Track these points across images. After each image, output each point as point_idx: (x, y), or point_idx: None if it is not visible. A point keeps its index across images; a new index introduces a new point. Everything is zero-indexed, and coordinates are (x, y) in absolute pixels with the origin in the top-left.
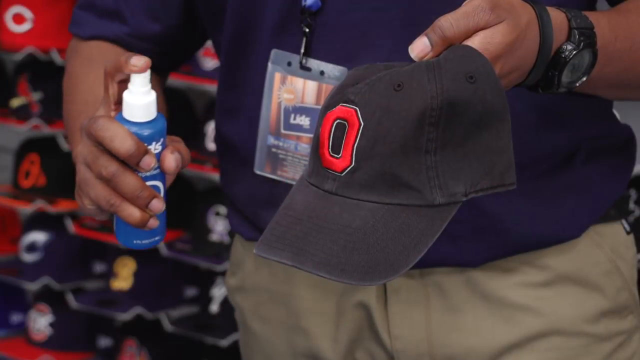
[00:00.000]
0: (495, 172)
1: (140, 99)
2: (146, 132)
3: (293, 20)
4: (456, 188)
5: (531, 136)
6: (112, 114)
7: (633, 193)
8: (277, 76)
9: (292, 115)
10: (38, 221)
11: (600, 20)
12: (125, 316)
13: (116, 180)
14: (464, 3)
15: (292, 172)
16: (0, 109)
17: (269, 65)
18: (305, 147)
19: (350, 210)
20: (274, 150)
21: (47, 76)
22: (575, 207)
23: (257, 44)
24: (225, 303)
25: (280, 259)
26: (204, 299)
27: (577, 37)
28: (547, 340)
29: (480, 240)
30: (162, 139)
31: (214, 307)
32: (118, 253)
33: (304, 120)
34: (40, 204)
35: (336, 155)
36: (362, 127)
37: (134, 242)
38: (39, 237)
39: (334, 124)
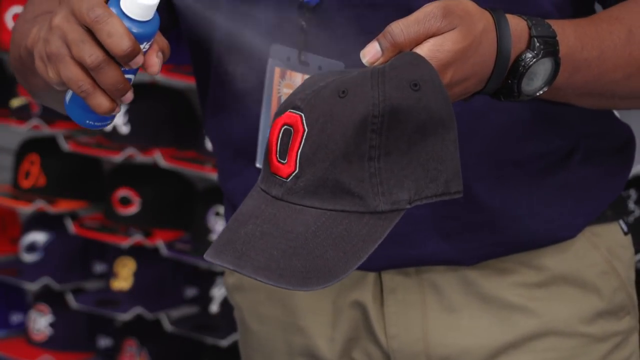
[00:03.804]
0: (440, 180)
1: None
2: (143, 31)
3: (292, 15)
4: (400, 195)
5: (527, 133)
6: None
7: (633, 193)
8: (277, 71)
9: None
10: (38, 221)
11: (566, 29)
12: (125, 316)
13: (99, 71)
14: (420, 8)
15: None
16: (0, 109)
17: (269, 60)
18: None
19: (294, 216)
20: None
21: None
22: (571, 207)
23: (256, 40)
24: (225, 303)
25: (223, 263)
26: (204, 299)
27: (537, 45)
28: (543, 341)
29: (475, 238)
30: (152, 39)
31: (214, 307)
32: (118, 253)
33: None
34: (40, 204)
35: (282, 161)
36: (306, 133)
37: (87, 122)
38: (38, 237)
39: (282, 130)
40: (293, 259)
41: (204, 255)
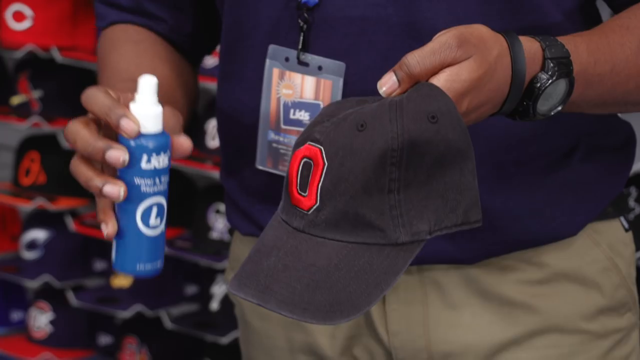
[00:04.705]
0: (460, 210)
1: (146, 110)
2: (157, 143)
3: (290, 15)
4: (420, 226)
5: (529, 133)
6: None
7: (633, 190)
8: (275, 71)
9: (292, 111)
10: (38, 219)
11: (579, 45)
12: (125, 314)
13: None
14: (434, 37)
15: None
16: (0, 107)
17: (267, 60)
18: None
19: (316, 249)
20: (274, 145)
21: (47, 74)
22: (572, 205)
23: (254, 39)
24: (226, 300)
25: (246, 297)
26: (204, 296)
27: (552, 66)
28: (544, 338)
29: (477, 237)
30: (168, 147)
31: (214, 305)
32: None
33: (304, 115)
34: (40, 202)
35: (303, 194)
36: (326, 166)
37: (137, 267)
38: (39, 234)
39: (302, 163)
40: (316, 293)
41: (228, 287)
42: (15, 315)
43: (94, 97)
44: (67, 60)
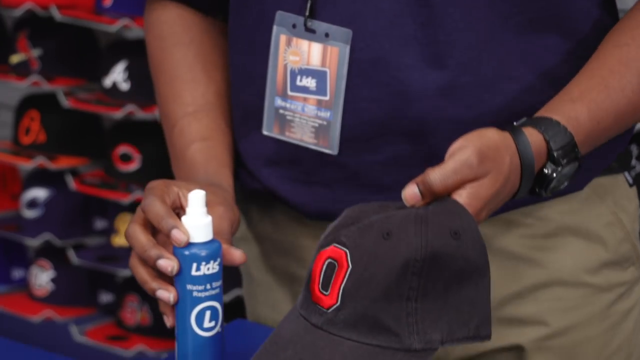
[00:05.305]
0: (472, 324)
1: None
2: (209, 251)
3: None
4: (433, 335)
5: (537, 100)
6: None
7: (634, 149)
8: (283, 38)
9: (299, 77)
10: (38, 177)
11: (580, 116)
12: (126, 272)
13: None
14: (454, 151)
15: (300, 133)
16: None
17: (274, 27)
18: (312, 109)
19: (333, 347)
20: (281, 111)
21: (47, 32)
22: None
23: (262, 5)
24: None
25: None
26: None
27: (558, 157)
28: (548, 291)
29: None
30: (219, 254)
31: None
32: (119, 209)
33: (310, 82)
34: (40, 161)
35: (325, 292)
36: (350, 269)
37: None
38: (39, 193)
39: (326, 263)
40: None
41: None
42: (17, 273)
43: (151, 206)
44: (66, 19)
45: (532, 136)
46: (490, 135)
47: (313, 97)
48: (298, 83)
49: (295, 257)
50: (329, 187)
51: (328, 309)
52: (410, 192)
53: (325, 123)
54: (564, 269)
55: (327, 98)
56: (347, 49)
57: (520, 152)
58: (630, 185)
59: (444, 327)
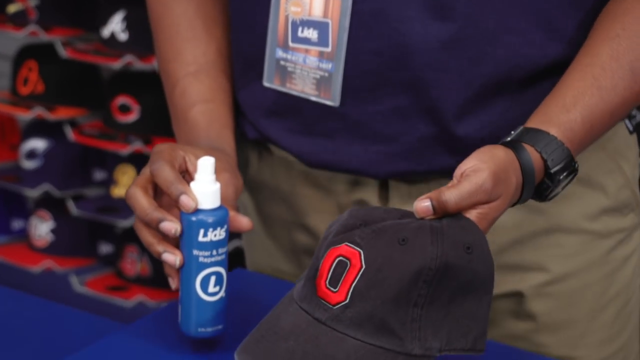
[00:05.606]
0: (470, 337)
1: (204, 187)
2: (216, 218)
3: None
4: (433, 343)
5: (539, 51)
6: None
7: None
8: None
9: (300, 29)
10: (37, 128)
11: (574, 127)
12: (125, 223)
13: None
14: (470, 171)
15: (301, 85)
16: None
17: None
18: (313, 60)
19: (336, 343)
20: (282, 63)
21: None
22: None
23: None
24: None
25: None
26: None
27: (555, 176)
28: (548, 238)
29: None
30: (226, 221)
31: None
32: (118, 160)
33: (312, 34)
34: (39, 111)
35: (333, 289)
36: (363, 269)
37: (198, 330)
38: (38, 144)
39: (336, 260)
40: None
41: (235, 354)
42: (16, 224)
43: (160, 170)
44: None
45: (533, 153)
46: (500, 155)
47: (315, 49)
48: (299, 34)
49: (293, 206)
50: (329, 138)
51: (335, 305)
52: (423, 206)
53: (327, 75)
54: (564, 216)
55: (329, 50)
56: (350, 0)
57: (524, 171)
58: (631, 133)
59: (443, 336)
